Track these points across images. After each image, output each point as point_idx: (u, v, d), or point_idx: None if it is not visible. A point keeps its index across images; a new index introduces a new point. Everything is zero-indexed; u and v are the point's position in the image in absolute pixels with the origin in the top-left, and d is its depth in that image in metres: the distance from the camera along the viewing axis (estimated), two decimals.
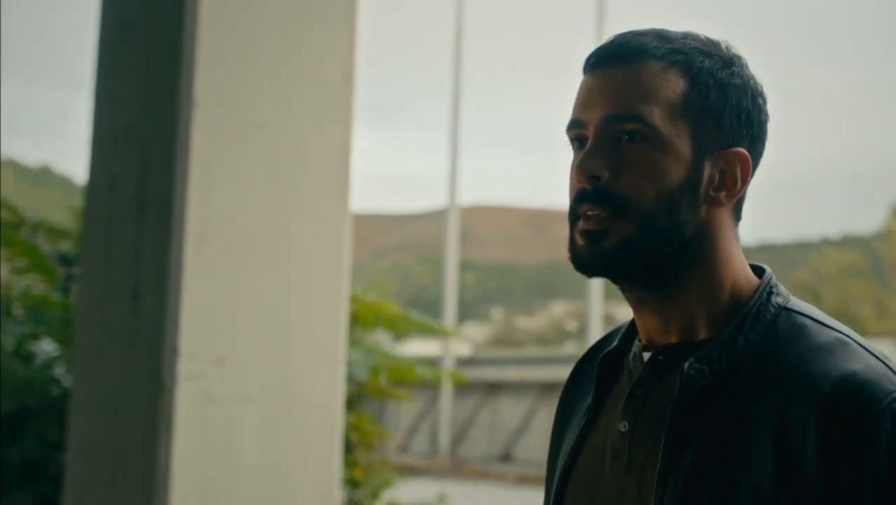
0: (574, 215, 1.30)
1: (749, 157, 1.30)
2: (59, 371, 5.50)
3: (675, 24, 1.34)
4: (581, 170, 1.28)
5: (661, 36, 1.31)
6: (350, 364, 5.61)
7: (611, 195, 1.26)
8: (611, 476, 1.30)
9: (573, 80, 1.36)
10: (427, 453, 23.67)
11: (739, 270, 1.32)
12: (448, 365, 19.57)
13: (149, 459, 2.87)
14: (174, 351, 2.86)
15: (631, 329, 1.38)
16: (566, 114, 1.33)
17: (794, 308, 1.29)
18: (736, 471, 1.19)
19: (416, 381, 6.63)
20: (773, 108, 1.33)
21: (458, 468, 21.81)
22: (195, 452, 2.87)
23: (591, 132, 1.29)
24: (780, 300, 1.30)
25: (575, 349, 30.91)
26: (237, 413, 2.94)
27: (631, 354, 1.35)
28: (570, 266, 1.32)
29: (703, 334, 1.29)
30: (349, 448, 6.01)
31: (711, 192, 1.29)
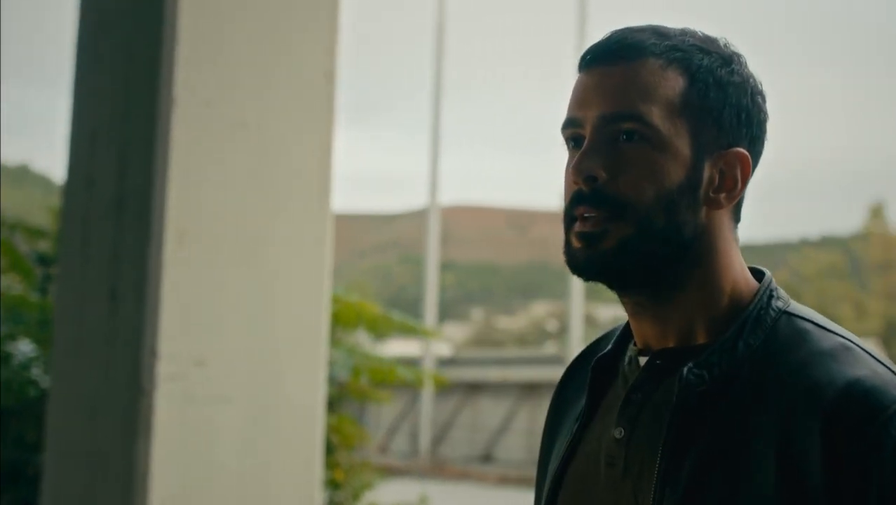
0: (570, 217, 1.26)
1: (749, 157, 1.28)
2: (36, 372, 5.46)
3: (665, 22, 1.31)
4: (578, 170, 1.24)
5: (658, 33, 1.28)
6: (331, 365, 5.58)
7: (609, 197, 1.23)
8: (605, 483, 1.27)
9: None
10: (407, 454, 23.65)
11: (739, 274, 1.29)
12: (428, 365, 19.57)
13: (128, 462, 2.84)
14: (153, 353, 2.83)
15: (625, 333, 1.35)
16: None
17: (795, 312, 1.27)
18: (737, 478, 1.17)
19: (397, 382, 6.61)
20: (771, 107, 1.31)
21: (438, 469, 21.81)
22: (175, 455, 2.84)
23: (587, 132, 1.26)
24: (780, 304, 1.27)
25: (556, 349, 30.96)
26: (217, 415, 2.91)
27: (626, 359, 1.32)
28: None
29: (701, 339, 1.26)
30: (330, 450, 5.99)
31: (711, 194, 1.26)
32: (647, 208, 1.22)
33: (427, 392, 22.00)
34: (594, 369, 1.34)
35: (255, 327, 3.00)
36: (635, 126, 1.23)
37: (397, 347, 17.33)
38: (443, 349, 27.33)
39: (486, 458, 23.07)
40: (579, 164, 1.24)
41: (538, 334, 51.33)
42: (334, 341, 5.94)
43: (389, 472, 11.30)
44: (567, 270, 1.29)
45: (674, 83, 1.25)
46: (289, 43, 3.12)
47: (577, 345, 20.33)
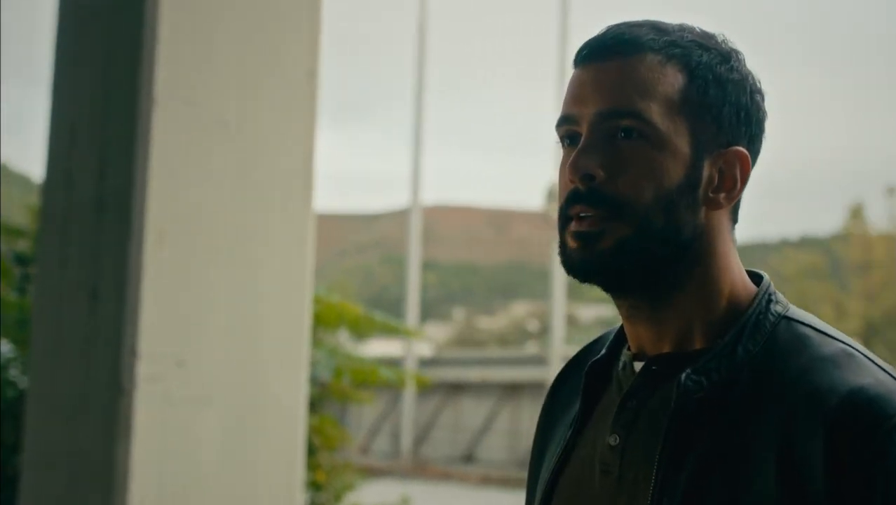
0: (565, 217, 1.23)
1: (748, 156, 1.25)
2: (14, 373, 5.42)
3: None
4: (574, 169, 1.21)
5: (657, 28, 1.25)
6: (313, 365, 5.56)
7: (606, 196, 1.20)
8: (600, 491, 1.25)
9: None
10: (389, 454, 23.63)
11: (737, 277, 1.26)
12: (410, 365, 19.56)
13: (107, 464, 2.82)
14: (133, 353, 2.81)
15: (619, 337, 1.32)
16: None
17: (794, 317, 1.24)
18: (737, 484, 1.15)
19: (379, 382, 6.60)
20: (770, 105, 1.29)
21: (420, 469, 21.79)
22: (154, 457, 2.82)
23: (584, 129, 1.23)
24: (779, 308, 1.25)
25: (537, 350, 30.99)
26: (198, 416, 2.89)
27: (620, 364, 1.29)
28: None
29: (698, 344, 1.24)
30: (311, 451, 5.96)
31: (710, 194, 1.24)
32: (646, 208, 1.20)
33: (409, 392, 21.98)
34: (588, 375, 1.31)
35: (236, 328, 2.98)
36: (633, 123, 1.20)
37: (379, 348, 17.30)
38: (424, 349, 27.31)
39: (468, 458, 23.06)
40: (576, 161, 1.21)
41: (519, 334, 51.34)
42: (316, 342, 5.93)
43: (371, 472, 11.28)
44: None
45: (673, 80, 1.22)
46: (271, 42, 3.10)
47: (559, 345, 20.35)
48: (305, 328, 3.12)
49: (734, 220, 1.28)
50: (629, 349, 1.29)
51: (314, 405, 5.94)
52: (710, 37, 1.27)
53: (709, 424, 1.18)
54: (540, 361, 21.87)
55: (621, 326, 1.31)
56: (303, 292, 3.10)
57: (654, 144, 1.21)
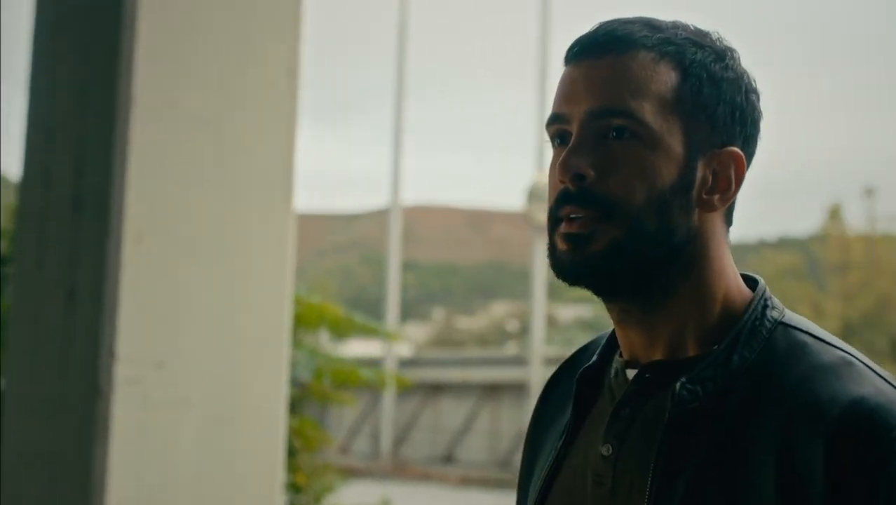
0: (555, 218, 1.20)
1: (743, 157, 1.22)
2: None
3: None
4: (564, 168, 1.18)
5: (650, 25, 1.22)
6: (293, 366, 5.53)
7: (597, 196, 1.17)
8: (592, 503, 1.22)
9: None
10: (368, 455, 23.60)
11: (732, 280, 1.23)
12: (390, 366, 19.53)
13: (85, 466, 2.79)
14: (111, 354, 2.78)
15: (611, 342, 1.29)
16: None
17: (791, 323, 1.21)
18: (736, 494, 1.12)
19: (360, 383, 6.58)
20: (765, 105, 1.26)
21: (399, 470, 21.77)
22: (132, 459, 2.79)
23: (574, 128, 1.20)
24: (775, 314, 1.22)
25: (516, 350, 31.01)
26: (177, 418, 2.87)
27: (612, 371, 1.26)
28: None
29: (692, 350, 1.21)
30: (292, 453, 5.94)
31: (704, 195, 1.20)
32: (638, 210, 1.17)
33: (388, 393, 21.95)
34: (579, 382, 1.28)
35: (215, 329, 2.95)
36: (625, 122, 1.17)
37: (358, 348, 17.28)
38: (404, 350, 27.30)
39: (448, 458, 23.06)
40: (566, 161, 1.18)
41: (499, 335, 51.36)
42: (296, 342, 5.90)
43: (350, 473, 11.26)
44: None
45: (666, 78, 1.19)
46: (251, 40, 3.08)
47: (538, 345, 20.38)
48: (286, 329, 3.09)
49: (728, 222, 1.25)
50: (621, 356, 1.26)
51: (294, 406, 5.92)
52: (704, 34, 1.24)
53: (704, 434, 1.15)
54: (520, 361, 21.89)
55: (613, 331, 1.28)
56: (283, 293, 3.08)
57: (646, 144, 1.18)
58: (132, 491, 2.79)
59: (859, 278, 28.24)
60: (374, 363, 13.98)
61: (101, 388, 2.78)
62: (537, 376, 19.02)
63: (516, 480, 1.40)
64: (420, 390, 23.32)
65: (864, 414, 1.11)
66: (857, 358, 1.18)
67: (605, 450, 1.21)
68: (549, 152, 1.26)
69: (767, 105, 1.26)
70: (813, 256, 33.85)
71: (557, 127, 1.23)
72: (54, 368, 2.97)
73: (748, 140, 1.24)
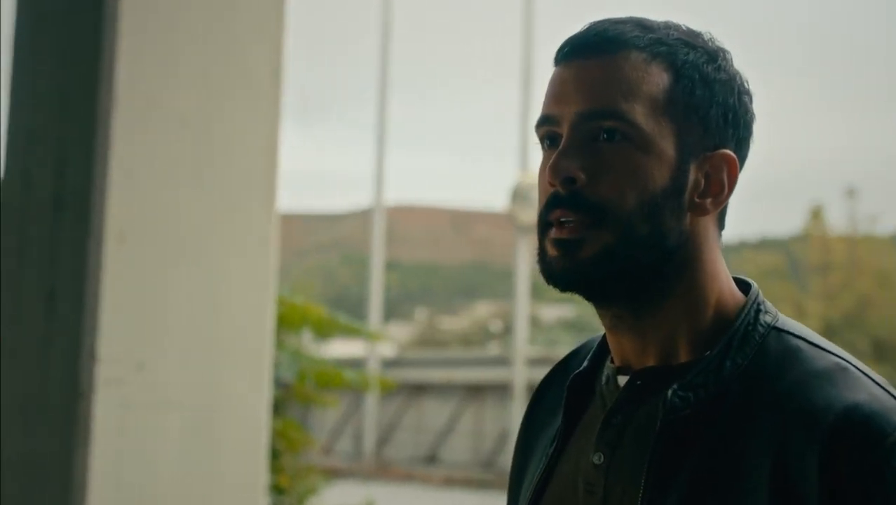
0: (545, 223, 1.17)
1: (736, 159, 1.20)
2: None
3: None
4: (554, 171, 1.16)
5: (641, 25, 1.20)
6: (276, 367, 5.52)
7: (588, 200, 1.15)
8: None
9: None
10: (351, 456, 23.57)
11: (724, 285, 1.21)
12: (373, 366, 19.52)
13: (65, 468, 2.77)
14: (92, 356, 2.76)
15: (601, 348, 1.27)
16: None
17: (785, 328, 1.20)
18: (730, 501, 1.10)
19: (343, 385, 6.56)
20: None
21: (383, 470, 21.75)
22: (113, 462, 2.77)
23: (564, 130, 1.18)
24: (768, 319, 1.20)
25: (499, 350, 31.02)
26: (158, 420, 2.85)
27: (603, 377, 1.24)
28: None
29: (684, 356, 1.19)
30: (275, 454, 5.92)
31: (696, 199, 1.19)
32: (630, 214, 1.15)
33: (371, 394, 21.91)
34: (570, 388, 1.26)
35: (198, 330, 2.93)
36: (616, 124, 1.15)
37: (341, 348, 17.25)
38: (387, 350, 27.27)
39: (431, 459, 23.04)
40: (556, 164, 1.16)
41: (482, 335, 51.38)
42: (279, 343, 5.88)
43: (333, 474, 11.24)
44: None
45: (658, 79, 1.17)
46: (234, 40, 3.06)
47: (522, 346, 20.37)
48: (268, 330, 3.08)
49: (721, 226, 1.23)
50: (612, 362, 1.24)
51: (277, 408, 5.90)
52: (696, 35, 1.22)
53: (697, 441, 1.14)
54: (503, 361, 21.88)
55: (604, 336, 1.26)
56: (266, 293, 3.06)
57: (637, 147, 1.16)
58: (113, 493, 2.77)
59: (840, 279, 28.36)
60: (356, 363, 13.96)
61: (82, 389, 2.76)
62: (521, 377, 19.03)
63: (499, 480, 1.38)
64: (403, 391, 23.29)
65: (859, 421, 1.10)
66: (851, 364, 1.16)
67: (597, 458, 1.19)
68: (532, 152, 1.24)
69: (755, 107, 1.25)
70: (794, 256, 33.97)
71: (547, 129, 1.20)
72: (34, 369, 2.94)
73: (741, 142, 1.22)
